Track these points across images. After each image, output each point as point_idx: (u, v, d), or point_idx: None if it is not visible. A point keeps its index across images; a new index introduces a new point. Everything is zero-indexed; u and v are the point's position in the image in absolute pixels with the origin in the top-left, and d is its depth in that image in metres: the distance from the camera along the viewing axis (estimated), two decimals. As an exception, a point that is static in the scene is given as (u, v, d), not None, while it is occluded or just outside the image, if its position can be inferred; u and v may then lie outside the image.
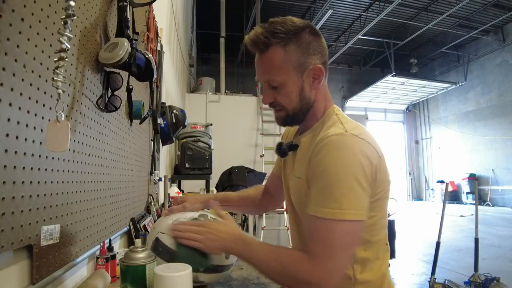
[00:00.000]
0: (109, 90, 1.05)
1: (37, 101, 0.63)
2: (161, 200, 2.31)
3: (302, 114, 0.83)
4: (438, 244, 3.14)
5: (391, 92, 12.50)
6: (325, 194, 0.68)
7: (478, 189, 4.52)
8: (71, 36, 0.66)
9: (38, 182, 0.63)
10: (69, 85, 0.77)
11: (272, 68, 0.77)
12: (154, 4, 1.71)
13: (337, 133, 0.72)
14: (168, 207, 2.02)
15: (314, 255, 0.67)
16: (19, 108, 0.57)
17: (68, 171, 0.76)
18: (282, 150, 0.90)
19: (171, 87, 3.40)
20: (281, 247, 0.75)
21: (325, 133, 0.74)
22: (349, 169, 0.68)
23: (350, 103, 13.32)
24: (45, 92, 0.65)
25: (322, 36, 0.81)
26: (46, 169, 0.66)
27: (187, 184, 4.26)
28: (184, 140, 3.62)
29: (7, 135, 0.54)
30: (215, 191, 3.71)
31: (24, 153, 0.59)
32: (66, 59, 0.64)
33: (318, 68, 0.78)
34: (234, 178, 3.96)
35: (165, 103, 2.37)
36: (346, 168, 0.68)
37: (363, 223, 0.69)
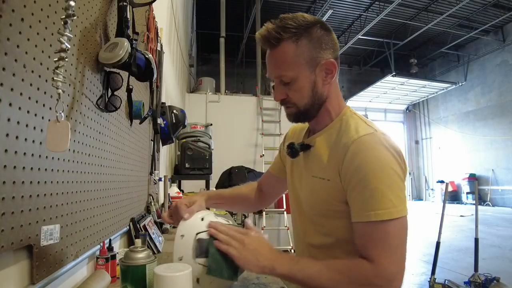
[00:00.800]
0: (109, 90, 1.05)
1: (37, 101, 0.63)
2: (161, 200, 2.31)
3: (314, 110, 0.81)
4: (438, 244, 3.14)
5: (391, 92, 12.51)
6: (377, 197, 0.67)
7: (478, 189, 4.52)
8: (71, 36, 0.66)
9: (38, 182, 0.63)
10: (69, 85, 0.77)
11: (284, 63, 0.76)
12: (154, 4, 1.71)
13: (368, 132, 0.73)
14: (169, 207, 2.03)
15: (376, 259, 0.66)
16: (19, 108, 0.57)
17: (68, 171, 0.76)
18: (294, 150, 0.86)
19: (171, 87, 3.40)
20: (332, 260, 0.72)
21: (355, 134, 0.74)
22: (392, 167, 0.69)
23: (350, 103, 13.32)
24: (45, 92, 0.65)
25: (333, 31, 0.81)
26: (46, 169, 0.66)
27: (187, 184, 4.26)
28: (184, 140, 3.62)
29: (7, 135, 0.54)
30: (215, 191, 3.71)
31: (24, 153, 0.59)
32: (66, 59, 0.64)
33: (331, 63, 0.77)
34: (234, 178, 3.97)
35: (165, 103, 2.37)
36: (390, 166, 0.69)
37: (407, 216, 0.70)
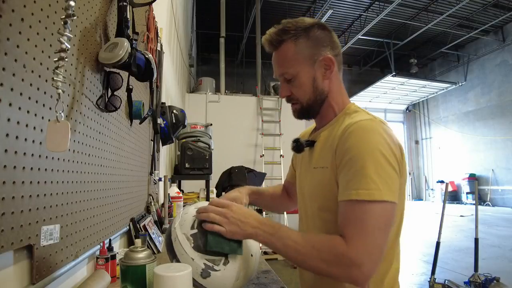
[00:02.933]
0: (109, 90, 1.05)
1: (37, 101, 0.63)
2: (161, 200, 2.30)
3: (317, 105, 0.85)
4: (438, 244, 3.14)
5: (391, 92, 12.50)
6: (360, 177, 0.68)
7: (478, 189, 4.52)
8: (71, 36, 0.66)
9: (38, 182, 0.63)
10: (69, 85, 0.77)
11: (285, 61, 0.82)
12: (154, 4, 1.71)
13: (366, 118, 0.76)
14: (169, 207, 2.03)
15: (350, 237, 0.66)
16: (19, 108, 0.57)
17: (68, 171, 0.76)
18: (299, 144, 0.90)
19: (171, 87, 3.40)
20: (311, 233, 0.75)
21: (352, 120, 0.76)
22: (382, 152, 0.69)
23: (350, 103, 13.30)
24: (45, 92, 0.65)
25: (332, 31, 0.85)
26: (46, 169, 0.66)
27: (187, 184, 4.26)
28: (184, 140, 3.62)
29: (7, 135, 0.54)
30: (215, 191, 3.71)
31: (24, 153, 0.59)
32: (66, 59, 0.64)
33: (329, 58, 0.82)
34: (234, 178, 3.96)
35: (165, 103, 2.37)
36: (379, 150, 0.69)
37: (395, 205, 0.69)
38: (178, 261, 0.74)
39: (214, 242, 0.73)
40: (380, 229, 0.66)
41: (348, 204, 0.68)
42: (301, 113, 0.87)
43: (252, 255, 0.81)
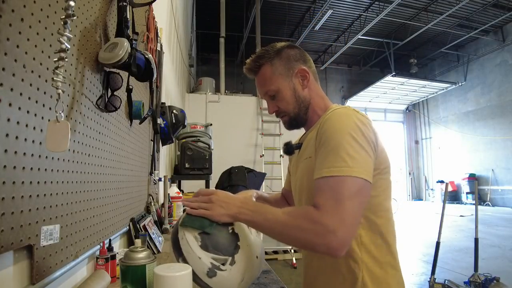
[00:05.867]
0: (109, 90, 1.05)
1: (37, 101, 0.63)
2: (161, 200, 2.30)
3: (302, 112, 0.93)
4: (438, 244, 3.15)
5: (391, 92, 12.51)
6: (332, 156, 0.73)
7: (478, 189, 4.53)
8: (71, 36, 0.66)
9: (38, 182, 0.63)
10: (69, 85, 0.77)
11: (266, 81, 0.93)
12: (154, 4, 1.71)
13: (341, 107, 0.86)
14: (169, 207, 2.03)
15: (322, 204, 0.69)
16: (19, 108, 0.57)
17: (68, 171, 0.76)
18: (289, 147, 0.98)
19: (171, 87, 3.40)
20: (290, 207, 0.78)
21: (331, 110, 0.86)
22: (351, 134, 0.75)
23: (350, 103, 13.33)
24: (45, 92, 0.65)
25: (301, 48, 0.97)
26: (46, 169, 0.66)
27: (187, 184, 4.26)
28: (184, 140, 3.62)
29: (7, 135, 0.54)
30: (215, 191, 3.70)
31: (24, 153, 0.58)
32: (66, 59, 0.64)
33: (302, 70, 0.92)
34: (234, 178, 3.95)
35: (165, 103, 2.37)
36: (348, 131, 0.75)
37: (369, 184, 0.72)
38: (184, 259, 0.73)
39: (187, 219, 0.77)
40: (352, 198, 0.69)
41: (321, 180, 0.73)
42: (291, 123, 0.95)
43: (257, 257, 0.81)
